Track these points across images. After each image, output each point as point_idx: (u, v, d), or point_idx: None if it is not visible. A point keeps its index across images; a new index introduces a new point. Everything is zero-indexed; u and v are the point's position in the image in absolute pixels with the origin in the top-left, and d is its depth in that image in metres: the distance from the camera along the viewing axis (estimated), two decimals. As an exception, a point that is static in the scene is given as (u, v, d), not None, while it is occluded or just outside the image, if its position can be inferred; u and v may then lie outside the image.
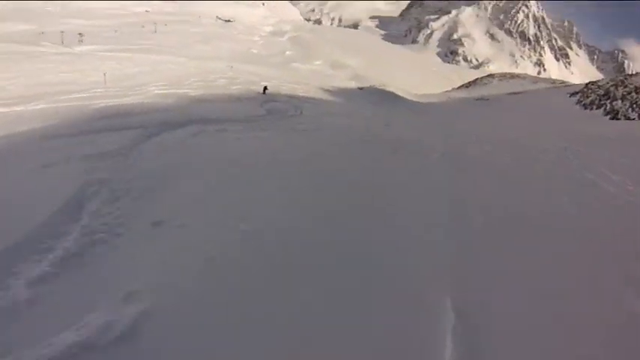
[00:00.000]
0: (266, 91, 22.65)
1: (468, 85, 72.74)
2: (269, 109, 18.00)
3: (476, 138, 16.75)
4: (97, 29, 69.52)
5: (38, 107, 11.98)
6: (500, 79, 70.81)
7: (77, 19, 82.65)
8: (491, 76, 77.40)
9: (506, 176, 10.27)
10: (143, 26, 75.40)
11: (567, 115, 37.88)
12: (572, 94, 47.44)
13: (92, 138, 9.24)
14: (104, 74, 18.98)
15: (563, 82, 70.30)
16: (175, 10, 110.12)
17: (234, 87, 22.81)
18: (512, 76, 75.45)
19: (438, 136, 15.83)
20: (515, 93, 55.24)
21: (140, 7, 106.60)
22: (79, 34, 59.69)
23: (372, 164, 9.93)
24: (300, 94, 25.94)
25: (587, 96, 44.29)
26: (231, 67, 36.64)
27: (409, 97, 44.28)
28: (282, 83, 30.12)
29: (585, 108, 42.06)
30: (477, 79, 77.23)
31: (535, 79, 72.13)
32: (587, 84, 49.11)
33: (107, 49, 42.38)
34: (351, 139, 12.77)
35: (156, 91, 17.39)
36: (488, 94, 55.80)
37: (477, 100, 51.74)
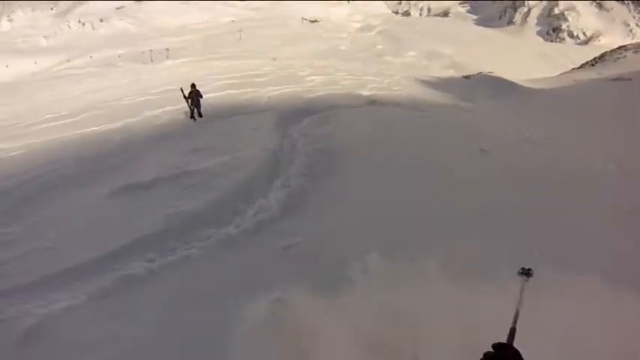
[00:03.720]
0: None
1: (593, 63, 61.20)
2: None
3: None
4: (183, 44, 70.43)
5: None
6: (636, 51, 58.85)
7: (167, 37, 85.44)
8: (622, 48, 65.04)
9: None
10: (227, 35, 74.70)
11: None
12: None
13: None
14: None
15: None
16: (261, 16, 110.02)
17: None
18: (651, 45, 62.79)
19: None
20: (665, 67, 44.39)
21: (226, 18, 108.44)
22: (167, 49, 60.78)
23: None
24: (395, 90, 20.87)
25: None
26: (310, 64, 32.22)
27: (525, 85, 36.42)
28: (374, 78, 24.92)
29: None
30: (604, 53, 65.27)
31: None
32: None
33: (190, 61, 40.38)
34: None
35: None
36: (627, 72, 45.41)
37: (615, 80, 42.03)
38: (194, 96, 13.17)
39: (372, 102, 15.53)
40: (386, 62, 56.92)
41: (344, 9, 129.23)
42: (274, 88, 17.09)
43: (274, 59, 36.55)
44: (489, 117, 15.76)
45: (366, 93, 17.55)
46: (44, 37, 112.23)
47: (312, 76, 21.59)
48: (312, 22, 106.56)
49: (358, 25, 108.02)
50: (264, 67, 25.08)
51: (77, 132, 12.12)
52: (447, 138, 11.13)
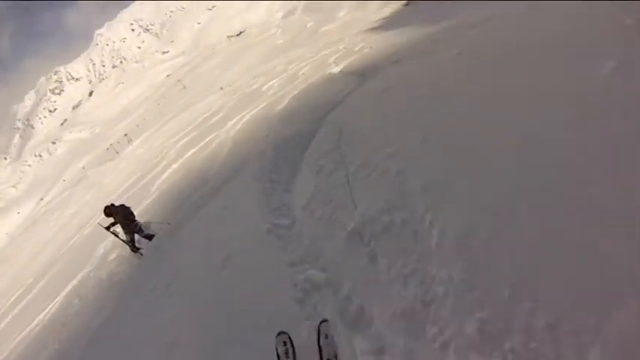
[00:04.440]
0: None
1: None
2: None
3: None
4: (137, 121, 68.28)
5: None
6: None
7: (120, 123, 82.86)
8: None
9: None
10: (170, 91, 72.71)
11: None
12: None
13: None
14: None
15: None
16: (190, 56, 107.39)
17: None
18: None
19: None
20: None
21: (161, 76, 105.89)
22: (125, 134, 58.70)
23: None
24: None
25: None
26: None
27: None
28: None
29: None
30: None
31: None
32: None
33: (149, 134, 38.08)
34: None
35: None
36: None
37: None
38: (122, 220, 7.89)
39: (361, 75, 11.25)
40: (325, 34, 54.06)
41: (260, 6, 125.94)
42: (236, 120, 13.92)
43: (221, 88, 34.03)
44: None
45: (336, 69, 14.56)
46: (12, 187, 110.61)
47: (267, 84, 18.70)
48: (238, 35, 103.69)
49: (280, 14, 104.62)
50: (216, 102, 22.42)
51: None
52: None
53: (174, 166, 12.57)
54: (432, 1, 26.95)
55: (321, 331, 3.34)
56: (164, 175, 11.94)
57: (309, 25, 71.32)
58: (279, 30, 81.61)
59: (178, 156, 13.78)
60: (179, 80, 74.56)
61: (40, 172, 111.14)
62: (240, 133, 11.63)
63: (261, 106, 14.06)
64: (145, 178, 13.84)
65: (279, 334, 3.35)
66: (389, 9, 41.93)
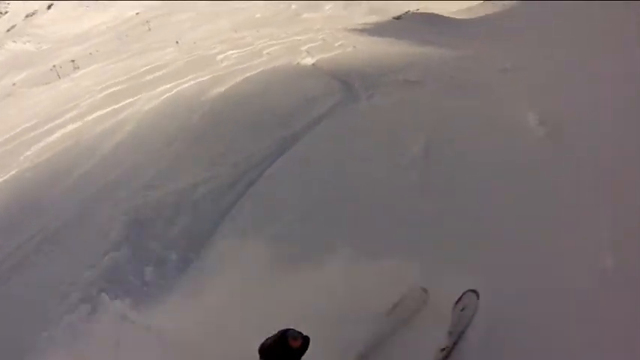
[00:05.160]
0: None
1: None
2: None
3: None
4: (90, 50, 63.01)
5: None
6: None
7: (72, 47, 76.70)
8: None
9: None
10: (134, 30, 67.59)
11: None
12: None
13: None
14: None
15: None
16: (165, 5, 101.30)
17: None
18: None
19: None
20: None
21: (130, 12, 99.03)
22: (72, 60, 53.88)
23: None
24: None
25: None
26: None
27: (459, 17, 32.27)
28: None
29: None
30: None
31: None
32: None
33: (99, 67, 34.46)
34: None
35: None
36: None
37: None
38: None
39: (345, 81, 8.29)
40: (306, 20, 51.95)
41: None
42: (165, 88, 11.19)
43: (177, 42, 31.08)
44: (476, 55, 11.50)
45: (308, 60, 12.47)
46: None
47: (225, 53, 16.09)
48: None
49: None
50: (166, 56, 19.71)
51: None
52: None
53: (66, 130, 9.90)
54: (425, 21, 25.58)
55: None
56: (50, 138, 9.34)
57: (293, 7, 68.78)
58: (262, 4, 78.03)
59: (83, 114, 11.03)
60: (147, 21, 69.35)
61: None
62: (152, 115, 9.10)
63: (203, 79, 11.65)
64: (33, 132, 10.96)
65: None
66: (376, 17, 40.11)
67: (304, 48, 14.80)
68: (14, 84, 57.29)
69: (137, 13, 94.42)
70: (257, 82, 10.47)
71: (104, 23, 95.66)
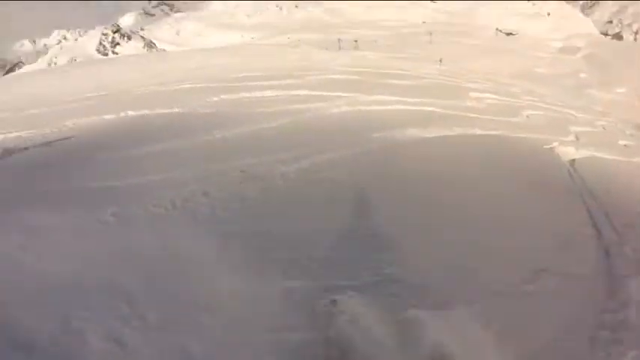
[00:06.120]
0: None
1: None
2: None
3: None
4: (373, 38, 69.26)
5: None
6: None
7: (358, 29, 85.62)
8: None
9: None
10: (416, 36, 72.19)
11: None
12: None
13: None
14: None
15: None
16: (453, 21, 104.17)
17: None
18: None
19: None
20: None
21: (418, 19, 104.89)
22: (355, 40, 60.78)
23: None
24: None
25: None
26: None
27: None
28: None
29: None
30: None
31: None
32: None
33: (378, 55, 38.06)
34: None
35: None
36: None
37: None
38: None
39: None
40: (588, 96, 46.49)
41: (543, 24, 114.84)
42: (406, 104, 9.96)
43: (440, 60, 32.15)
44: None
45: (567, 151, 7.91)
46: (247, 15, 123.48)
47: (479, 93, 13.86)
48: (508, 34, 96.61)
49: (559, 44, 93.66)
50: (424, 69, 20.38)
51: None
52: None
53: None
54: None
55: None
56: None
57: (580, 76, 63.19)
58: (547, 59, 73.78)
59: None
60: (430, 34, 73.07)
61: (273, 19, 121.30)
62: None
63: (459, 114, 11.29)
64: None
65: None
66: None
67: (574, 128, 11.27)
68: (299, 40, 67.34)
69: (423, 22, 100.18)
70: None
71: (392, 20, 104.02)
